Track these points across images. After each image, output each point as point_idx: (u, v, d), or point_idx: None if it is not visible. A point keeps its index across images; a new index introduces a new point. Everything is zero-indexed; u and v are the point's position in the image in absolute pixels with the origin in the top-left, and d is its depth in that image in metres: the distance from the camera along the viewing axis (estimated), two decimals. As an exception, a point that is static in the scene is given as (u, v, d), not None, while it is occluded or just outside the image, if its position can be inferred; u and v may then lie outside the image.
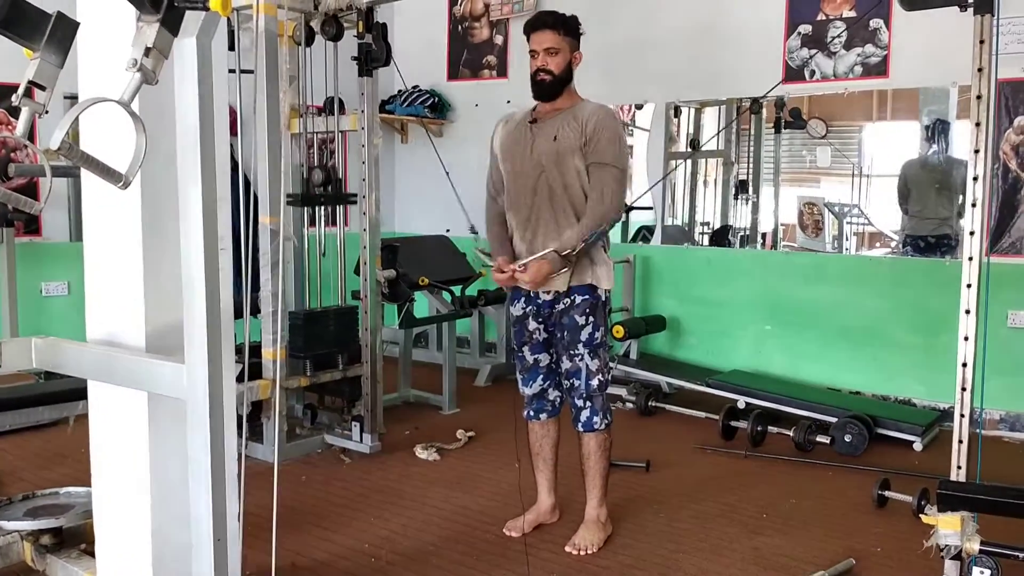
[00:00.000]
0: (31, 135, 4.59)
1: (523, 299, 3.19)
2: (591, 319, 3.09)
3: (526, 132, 3.12)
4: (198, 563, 1.84)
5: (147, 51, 1.61)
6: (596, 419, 3.14)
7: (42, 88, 1.62)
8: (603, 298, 3.13)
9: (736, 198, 6.12)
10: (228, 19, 4.17)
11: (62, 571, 2.57)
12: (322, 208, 4.47)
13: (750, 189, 6.04)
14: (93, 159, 1.66)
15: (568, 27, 3.09)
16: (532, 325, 3.19)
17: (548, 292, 3.11)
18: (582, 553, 3.11)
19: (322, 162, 4.53)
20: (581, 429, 3.17)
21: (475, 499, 3.66)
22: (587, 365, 3.10)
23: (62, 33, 1.63)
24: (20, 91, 1.60)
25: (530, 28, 3.11)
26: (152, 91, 1.77)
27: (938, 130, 5.18)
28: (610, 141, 3.03)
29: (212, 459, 1.79)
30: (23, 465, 3.95)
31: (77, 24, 1.67)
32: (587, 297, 3.08)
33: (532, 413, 3.30)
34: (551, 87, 3.06)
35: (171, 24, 1.62)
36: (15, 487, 3.60)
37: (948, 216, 5.21)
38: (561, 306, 3.10)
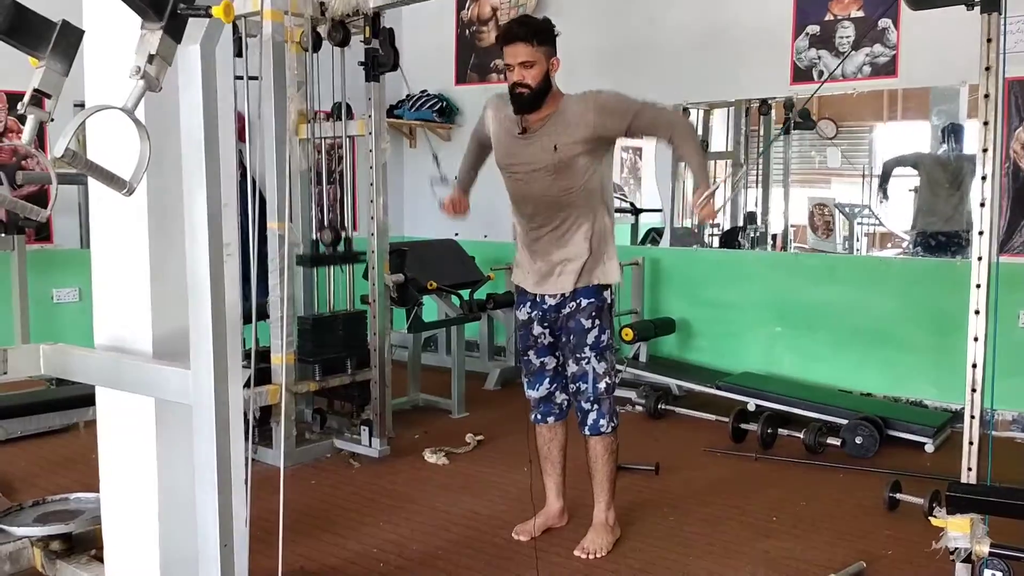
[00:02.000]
0: (41, 143, 4.63)
1: (528, 303, 3.18)
2: (597, 322, 3.08)
3: (517, 142, 3.03)
4: (205, 569, 1.84)
5: (150, 58, 1.61)
6: (603, 422, 3.14)
7: (48, 96, 1.63)
8: (609, 300, 3.13)
9: (745, 201, 6.11)
10: (236, 26, 4.21)
11: (72, 577, 2.58)
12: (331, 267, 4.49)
13: (760, 191, 6.02)
14: (97, 166, 1.67)
15: (542, 36, 2.92)
16: (537, 329, 3.18)
17: (553, 296, 3.10)
18: (591, 557, 3.10)
19: (331, 221, 4.55)
20: (588, 433, 3.16)
21: (484, 503, 3.65)
22: (594, 368, 3.10)
23: (67, 41, 1.64)
24: (26, 99, 1.61)
25: (502, 41, 2.97)
26: (157, 98, 1.78)
27: (948, 130, 5.16)
28: (617, 101, 2.98)
29: (218, 465, 1.79)
30: (34, 471, 3.97)
31: (82, 32, 1.68)
32: (592, 300, 3.08)
33: (539, 416, 3.30)
34: (530, 101, 2.94)
35: (174, 31, 1.63)
36: (26, 493, 3.62)
37: (958, 215, 5.18)
38: (567, 310, 3.10)
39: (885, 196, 5.39)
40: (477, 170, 3.37)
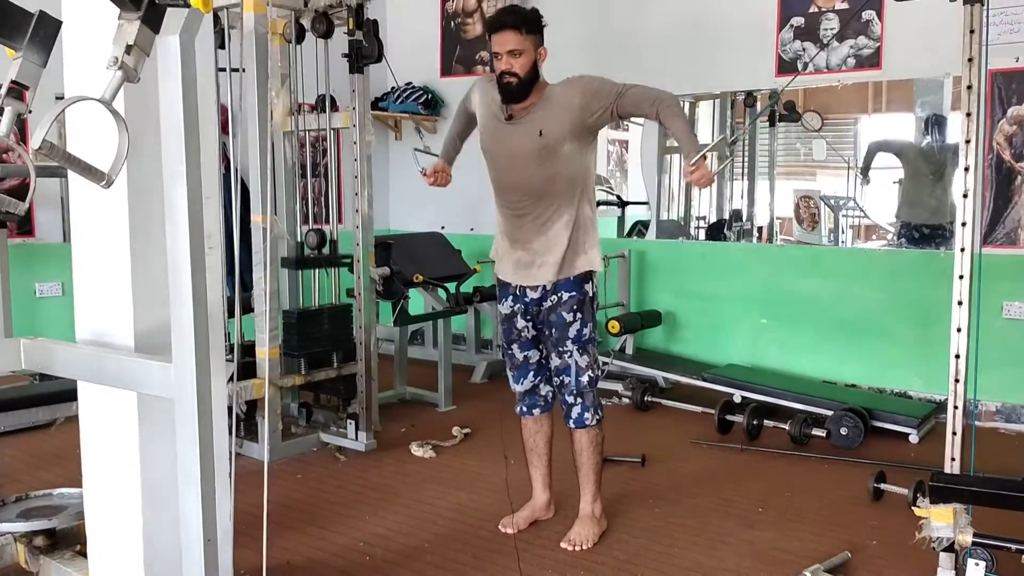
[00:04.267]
0: (22, 136, 4.59)
1: (511, 297, 3.18)
2: (579, 315, 3.08)
3: (503, 128, 3.04)
4: (189, 564, 1.83)
5: (128, 49, 1.59)
6: (587, 415, 3.14)
7: (26, 88, 1.61)
8: (591, 293, 3.12)
9: (731, 193, 6.12)
10: (218, 17, 4.18)
11: (55, 572, 2.56)
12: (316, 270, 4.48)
13: (745, 183, 6.03)
14: (76, 158, 1.65)
15: (530, 25, 2.94)
16: (520, 323, 3.18)
17: (535, 289, 3.10)
18: (577, 549, 3.11)
19: (316, 219, 4.55)
20: (573, 425, 3.17)
21: (471, 496, 3.65)
22: (576, 362, 3.10)
23: (44, 32, 1.62)
24: (3, 91, 1.59)
25: (491, 29, 2.99)
26: (137, 89, 1.76)
27: (932, 121, 5.18)
28: (601, 84, 2.98)
29: (201, 459, 1.78)
30: (17, 466, 3.95)
31: (59, 23, 1.66)
32: (574, 294, 3.07)
33: (524, 409, 3.30)
34: (518, 90, 2.95)
35: (152, 21, 1.61)
36: (9, 488, 3.58)
37: (942, 207, 5.21)
38: (549, 303, 3.09)
39: (867, 180, 5.41)
40: (462, 141, 3.38)
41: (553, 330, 3.10)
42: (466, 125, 3.34)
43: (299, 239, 4.43)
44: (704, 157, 2.87)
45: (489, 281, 5.47)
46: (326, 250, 4.40)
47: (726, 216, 6.11)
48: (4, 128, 1.60)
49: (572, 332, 3.08)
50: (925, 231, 5.23)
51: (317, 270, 4.52)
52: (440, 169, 3.31)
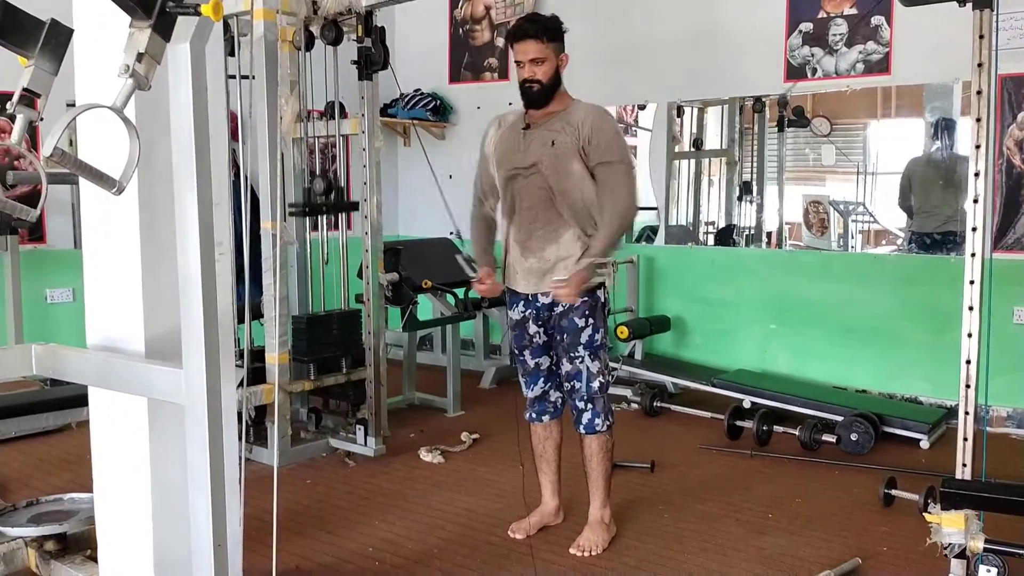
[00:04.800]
0: (33, 143, 4.62)
1: (522, 303, 3.18)
2: (590, 321, 3.08)
3: (519, 138, 3.08)
4: (199, 569, 1.84)
5: (139, 57, 1.61)
6: (598, 421, 3.14)
7: (37, 95, 1.62)
8: (602, 299, 3.12)
9: (740, 198, 6.11)
10: (228, 24, 4.20)
11: (66, 577, 2.57)
12: (325, 216, 4.46)
13: (754, 189, 6.02)
14: (87, 165, 1.67)
15: (551, 33, 2.99)
16: (532, 329, 3.18)
17: (547, 295, 3.10)
18: (586, 554, 3.10)
19: (324, 169, 4.52)
20: (583, 431, 3.16)
21: (480, 501, 3.65)
22: (587, 367, 3.10)
23: (56, 40, 1.64)
24: (15, 98, 1.60)
25: (512, 38, 3.03)
26: (148, 97, 1.77)
27: (942, 127, 5.16)
28: (611, 139, 3.01)
29: (211, 465, 1.79)
30: (28, 471, 3.96)
31: (71, 31, 1.68)
32: (586, 299, 3.07)
33: (534, 415, 3.30)
34: (541, 96, 3.01)
35: (163, 30, 1.62)
36: (20, 493, 3.61)
37: (953, 213, 5.19)
38: (560, 309, 3.09)
39: (910, 216, 5.37)
40: (492, 246, 3.27)
41: (564, 335, 3.11)
42: (487, 230, 3.26)
43: (306, 185, 4.39)
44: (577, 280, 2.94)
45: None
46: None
47: (735, 221, 6.10)
48: (16, 135, 1.62)
49: (584, 337, 3.08)
50: (936, 237, 5.21)
51: (326, 272, 4.50)
52: (491, 281, 3.17)
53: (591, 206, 3.03)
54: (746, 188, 6.07)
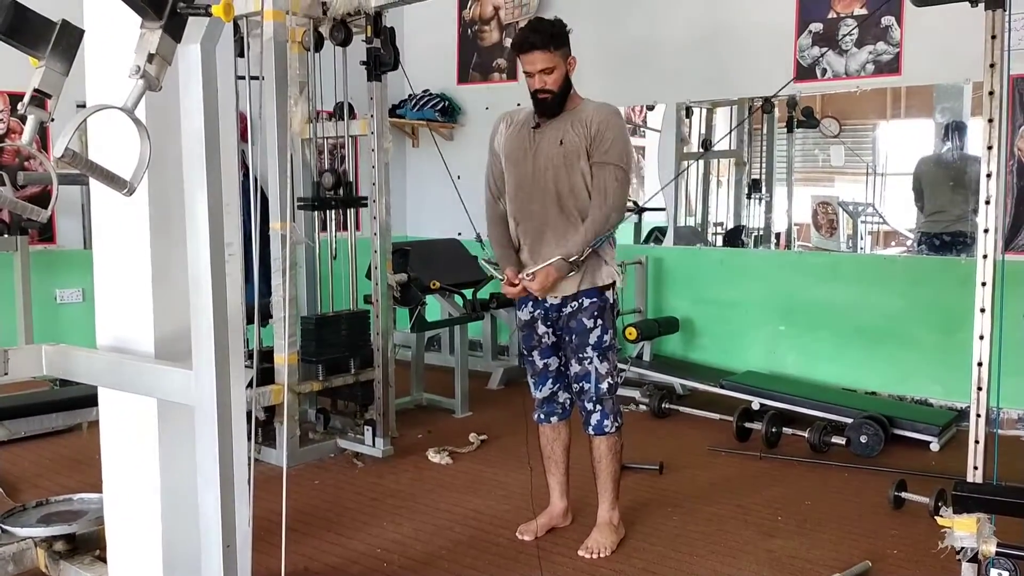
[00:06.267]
0: (44, 144, 4.64)
1: (531, 303, 3.17)
2: (599, 322, 3.07)
3: (529, 136, 3.08)
4: (208, 569, 1.84)
5: (150, 58, 1.61)
6: (607, 422, 3.13)
7: (48, 96, 1.62)
8: (611, 300, 3.12)
9: (749, 198, 6.10)
10: (238, 25, 4.21)
11: (75, 577, 2.58)
12: (333, 212, 4.47)
13: (763, 188, 6.01)
14: (98, 166, 1.67)
15: (557, 40, 2.97)
16: (541, 329, 3.18)
17: (556, 296, 3.09)
18: (595, 556, 3.10)
19: (333, 166, 4.53)
20: (592, 433, 3.15)
21: (488, 503, 3.65)
22: (596, 368, 3.09)
23: (67, 41, 1.64)
24: (26, 99, 1.61)
25: (518, 50, 3.01)
26: (159, 98, 1.78)
27: (952, 127, 5.14)
28: (614, 140, 3.00)
29: (221, 465, 1.79)
30: (37, 471, 3.97)
31: (82, 32, 1.68)
32: (595, 300, 3.07)
33: (543, 416, 3.29)
34: (555, 105, 3.02)
35: (174, 30, 1.62)
36: (29, 493, 3.62)
37: (963, 214, 5.16)
38: (569, 309, 3.09)
39: (922, 210, 5.35)
40: (511, 245, 3.21)
41: (573, 336, 3.10)
42: (503, 228, 3.21)
43: (315, 179, 4.40)
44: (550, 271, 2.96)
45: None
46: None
47: (743, 222, 6.08)
48: (27, 136, 1.62)
49: (592, 339, 3.07)
50: (946, 238, 5.18)
51: (333, 272, 4.49)
52: (517, 283, 3.10)
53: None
54: (755, 188, 6.06)
